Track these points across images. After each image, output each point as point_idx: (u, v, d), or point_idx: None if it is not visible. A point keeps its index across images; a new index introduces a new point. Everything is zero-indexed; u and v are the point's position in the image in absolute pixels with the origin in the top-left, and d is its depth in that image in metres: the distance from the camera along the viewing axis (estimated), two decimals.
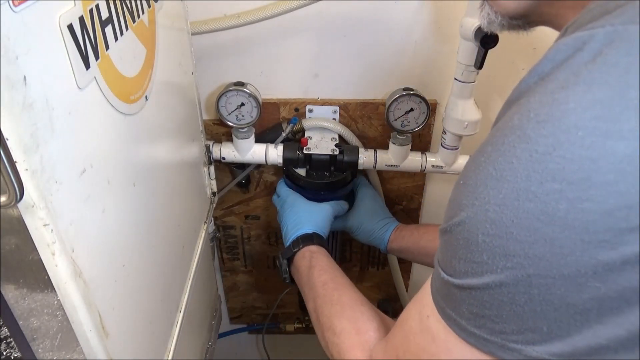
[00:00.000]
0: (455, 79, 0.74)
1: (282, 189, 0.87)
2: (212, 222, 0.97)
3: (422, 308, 0.39)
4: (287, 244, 0.76)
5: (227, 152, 0.85)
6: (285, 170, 0.87)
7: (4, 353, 0.39)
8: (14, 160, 0.29)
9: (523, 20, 0.41)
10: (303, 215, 0.79)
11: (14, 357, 0.40)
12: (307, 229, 0.76)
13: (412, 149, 0.85)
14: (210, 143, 0.85)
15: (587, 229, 0.26)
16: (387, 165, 0.86)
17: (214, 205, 0.89)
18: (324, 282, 0.65)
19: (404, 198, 0.99)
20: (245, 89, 0.79)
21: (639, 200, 0.25)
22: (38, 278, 0.35)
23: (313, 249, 0.72)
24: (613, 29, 0.26)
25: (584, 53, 0.27)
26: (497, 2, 0.41)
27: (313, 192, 0.84)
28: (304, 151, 0.84)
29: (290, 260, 0.74)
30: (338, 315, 0.58)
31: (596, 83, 0.26)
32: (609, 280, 0.26)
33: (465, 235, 0.32)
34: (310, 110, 0.88)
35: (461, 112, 0.76)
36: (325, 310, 0.60)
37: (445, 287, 0.35)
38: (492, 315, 0.31)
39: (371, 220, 0.86)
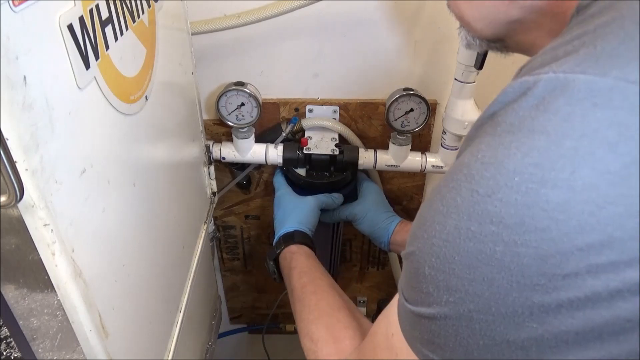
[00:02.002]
0: (455, 79, 0.74)
1: (276, 181, 0.87)
2: (212, 222, 0.97)
3: (388, 325, 0.40)
4: (273, 244, 0.77)
5: (227, 152, 0.85)
6: (285, 170, 0.87)
7: (4, 353, 0.39)
8: (14, 160, 0.29)
9: (500, 44, 0.42)
10: (286, 212, 0.79)
11: (14, 357, 0.40)
12: (289, 227, 0.76)
13: (412, 149, 0.85)
14: (210, 143, 0.85)
15: (522, 272, 0.27)
16: (387, 165, 0.86)
17: (214, 205, 0.89)
18: (302, 284, 0.65)
19: (404, 198, 0.99)
20: (245, 89, 0.79)
21: (571, 249, 0.25)
22: (38, 278, 0.35)
23: (293, 250, 0.72)
24: (555, 76, 0.26)
25: (529, 98, 0.27)
26: (473, 30, 0.42)
27: (313, 192, 0.84)
28: (304, 151, 0.84)
29: (276, 260, 0.75)
30: (315, 322, 0.58)
31: (536, 131, 0.26)
32: (545, 322, 0.27)
33: (415, 266, 0.33)
34: (310, 110, 0.88)
35: (461, 112, 0.76)
36: (304, 315, 0.61)
37: (404, 310, 0.36)
38: (440, 343, 0.32)
39: (377, 212, 0.85)
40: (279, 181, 0.87)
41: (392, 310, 0.40)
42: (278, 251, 0.74)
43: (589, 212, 0.24)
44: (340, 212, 0.86)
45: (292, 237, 0.74)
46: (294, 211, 0.79)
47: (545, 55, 0.29)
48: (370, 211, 0.85)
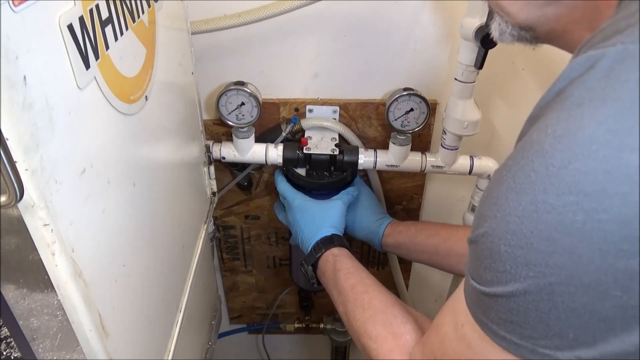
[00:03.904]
0: (455, 79, 0.74)
1: (285, 189, 0.85)
2: (212, 222, 0.97)
3: (456, 315, 0.40)
4: (308, 250, 0.75)
5: (227, 151, 0.85)
6: (284, 170, 0.87)
7: (4, 353, 0.39)
8: (14, 160, 0.29)
9: (531, 34, 0.43)
10: (317, 218, 0.78)
11: (14, 357, 0.40)
12: (326, 232, 0.76)
13: (412, 149, 0.85)
14: (210, 143, 0.85)
15: (605, 239, 0.27)
16: (387, 165, 0.86)
17: (214, 205, 0.89)
18: (352, 285, 0.65)
19: (404, 198, 0.99)
20: (246, 89, 0.79)
21: None
22: (38, 278, 0.35)
23: (335, 252, 0.72)
24: (624, 47, 0.27)
25: (597, 70, 0.28)
26: (507, 13, 0.42)
27: (313, 192, 0.84)
28: (304, 151, 0.83)
29: (314, 265, 0.74)
30: (372, 321, 0.58)
31: (609, 99, 0.27)
32: (630, 288, 0.27)
33: (489, 246, 0.33)
34: (310, 110, 0.88)
35: (461, 112, 0.76)
36: (358, 315, 0.61)
37: (475, 294, 0.36)
38: (519, 321, 0.32)
39: (365, 216, 0.85)
40: (288, 189, 0.85)
41: (457, 300, 0.40)
42: (318, 255, 0.73)
43: None
44: (346, 217, 0.86)
45: (331, 241, 0.74)
46: (326, 215, 0.79)
47: (606, 31, 0.30)
48: (359, 217, 0.86)
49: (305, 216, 0.79)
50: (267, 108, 0.86)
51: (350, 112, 0.88)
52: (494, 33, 0.45)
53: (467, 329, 0.38)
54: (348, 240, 0.78)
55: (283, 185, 0.86)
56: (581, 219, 0.27)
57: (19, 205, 0.31)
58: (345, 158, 0.83)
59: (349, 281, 0.66)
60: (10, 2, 0.28)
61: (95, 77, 0.38)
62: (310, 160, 0.84)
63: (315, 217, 0.78)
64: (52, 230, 0.33)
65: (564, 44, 0.41)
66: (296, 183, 0.85)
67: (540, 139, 0.29)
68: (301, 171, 0.85)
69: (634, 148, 0.25)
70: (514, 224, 0.30)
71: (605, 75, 0.27)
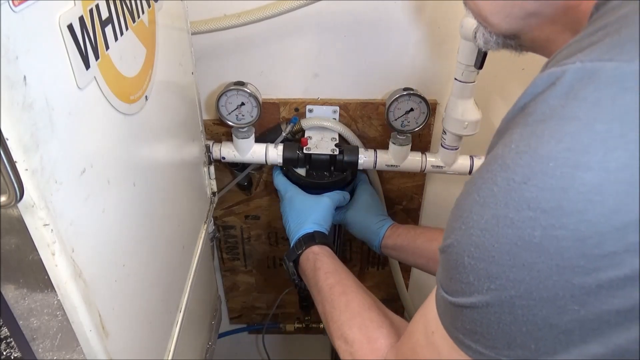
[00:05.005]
0: (455, 79, 0.74)
1: (280, 182, 0.86)
2: (212, 222, 0.97)
3: (427, 323, 0.40)
4: (291, 245, 0.76)
5: (227, 152, 0.85)
6: (284, 170, 0.87)
7: (4, 353, 0.39)
8: (14, 160, 0.29)
9: (515, 42, 0.43)
10: (303, 213, 0.78)
11: (14, 357, 0.40)
12: (308, 228, 0.76)
13: (412, 149, 0.85)
14: (210, 143, 0.85)
15: (562, 255, 0.27)
16: (387, 165, 0.86)
17: (214, 205, 0.89)
18: (330, 285, 0.65)
19: (404, 198, 0.99)
20: (246, 89, 0.79)
21: (608, 229, 0.26)
22: (38, 278, 0.35)
23: (316, 250, 0.72)
24: (583, 65, 0.27)
25: (557, 88, 0.28)
26: (490, 24, 0.43)
27: (313, 191, 0.84)
28: (304, 151, 0.84)
29: (296, 262, 0.74)
30: (348, 324, 0.58)
31: (567, 117, 0.27)
32: (587, 303, 0.28)
33: (454, 257, 0.34)
34: (310, 110, 0.88)
35: (461, 112, 0.76)
36: (335, 316, 0.61)
37: (444, 303, 0.37)
38: (483, 331, 0.33)
39: (367, 215, 0.85)
40: (282, 181, 0.86)
41: (429, 308, 0.40)
42: (299, 252, 0.73)
43: (624, 192, 0.25)
44: (333, 216, 0.86)
45: (312, 238, 0.74)
46: (312, 211, 0.78)
47: (571, 48, 0.30)
48: (361, 216, 0.86)
49: (293, 209, 0.80)
50: (267, 108, 0.86)
51: (350, 112, 0.88)
52: (479, 42, 0.46)
53: (437, 336, 0.38)
54: (349, 239, 0.78)
55: (279, 179, 0.86)
56: (539, 235, 0.28)
57: (19, 205, 0.31)
58: (345, 158, 0.83)
59: (327, 281, 0.66)
60: (10, 2, 0.28)
61: (95, 77, 0.38)
62: (310, 160, 0.84)
63: (301, 212, 0.79)
64: (52, 230, 0.33)
65: (548, 53, 0.41)
66: (296, 183, 0.85)
67: (504, 153, 0.30)
68: (301, 171, 0.86)
69: (589, 167, 0.26)
70: (477, 236, 0.31)
71: (565, 93, 0.28)
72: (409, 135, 0.83)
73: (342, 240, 0.97)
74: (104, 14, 0.40)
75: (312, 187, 0.84)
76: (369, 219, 0.85)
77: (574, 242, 0.27)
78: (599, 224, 0.26)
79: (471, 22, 0.67)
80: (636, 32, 0.27)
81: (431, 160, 0.85)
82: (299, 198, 0.81)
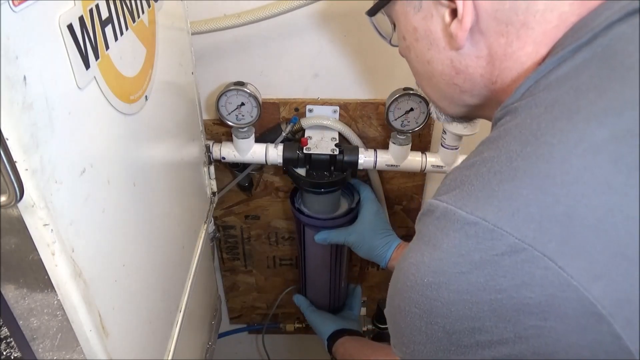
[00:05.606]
0: None
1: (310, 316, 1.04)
2: (212, 222, 0.97)
3: None
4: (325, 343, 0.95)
5: (227, 152, 0.85)
6: (285, 170, 0.87)
7: (4, 353, 0.39)
8: (14, 160, 0.29)
9: (464, 120, 0.51)
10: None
11: (14, 357, 0.40)
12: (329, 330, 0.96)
13: (412, 149, 0.85)
14: (210, 143, 0.85)
15: (440, 340, 0.36)
16: (387, 165, 0.86)
17: (214, 205, 0.89)
18: None
19: (404, 198, 0.99)
20: (245, 89, 0.79)
21: (462, 329, 0.34)
22: (38, 278, 0.35)
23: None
24: (446, 206, 0.36)
25: (427, 218, 0.38)
26: (439, 107, 0.50)
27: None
28: (304, 151, 0.83)
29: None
30: None
31: (430, 245, 0.36)
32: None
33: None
34: (310, 110, 0.88)
35: None
36: None
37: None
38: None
39: (373, 237, 0.85)
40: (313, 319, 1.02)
41: None
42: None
43: (467, 307, 0.33)
44: (337, 238, 0.86)
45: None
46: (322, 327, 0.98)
47: (454, 181, 0.38)
48: (366, 239, 0.85)
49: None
50: (267, 108, 0.86)
51: (350, 112, 0.88)
52: (433, 115, 0.53)
53: None
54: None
55: (311, 317, 1.03)
56: (424, 326, 0.36)
57: (19, 205, 0.31)
58: (345, 158, 0.83)
59: None
60: (10, 2, 0.28)
61: (95, 77, 0.38)
62: (310, 160, 0.84)
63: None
64: (52, 230, 0.33)
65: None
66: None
67: (399, 263, 0.40)
68: (301, 171, 0.86)
69: (447, 286, 0.35)
70: (392, 315, 0.41)
71: (427, 226, 0.37)
72: (409, 135, 0.83)
73: (342, 262, 0.97)
74: (104, 14, 0.40)
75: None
76: (374, 242, 0.85)
77: (445, 334, 0.35)
78: (456, 326, 0.34)
79: None
80: (480, 188, 0.34)
81: (431, 160, 0.85)
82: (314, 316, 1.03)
